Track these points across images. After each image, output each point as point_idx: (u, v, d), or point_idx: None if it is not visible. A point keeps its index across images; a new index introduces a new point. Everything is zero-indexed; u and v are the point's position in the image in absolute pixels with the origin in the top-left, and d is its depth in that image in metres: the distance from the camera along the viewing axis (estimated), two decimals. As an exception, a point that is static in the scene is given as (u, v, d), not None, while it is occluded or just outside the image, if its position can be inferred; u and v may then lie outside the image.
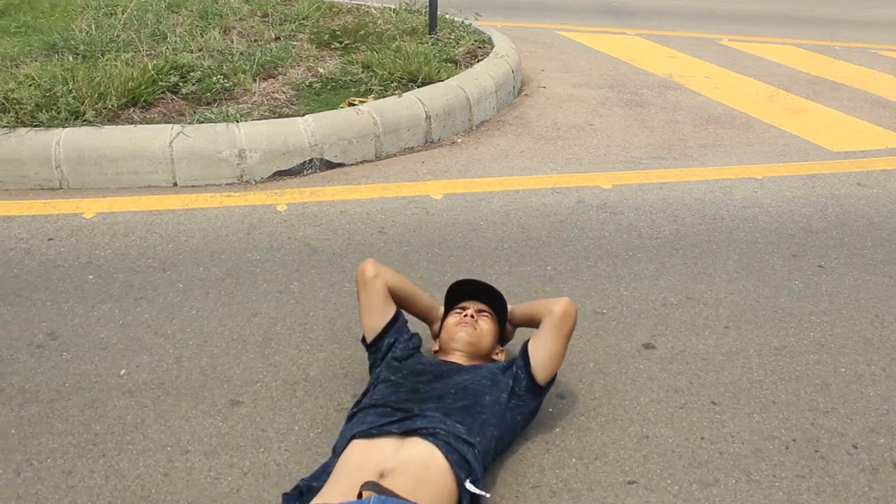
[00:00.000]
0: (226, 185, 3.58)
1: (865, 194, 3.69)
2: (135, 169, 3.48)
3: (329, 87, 4.35)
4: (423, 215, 3.35)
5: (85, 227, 3.15)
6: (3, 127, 3.47)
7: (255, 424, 2.10)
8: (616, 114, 4.69)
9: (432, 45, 4.96)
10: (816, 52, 6.66)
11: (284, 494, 1.81)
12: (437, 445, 1.73)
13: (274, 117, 3.84)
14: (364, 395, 2.02)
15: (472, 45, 5.21)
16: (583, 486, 1.90)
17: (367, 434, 1.77)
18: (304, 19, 5.49)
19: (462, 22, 5.75)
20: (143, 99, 3.84)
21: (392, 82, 4.31)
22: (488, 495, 1.75)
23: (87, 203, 3.35)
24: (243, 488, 1.88)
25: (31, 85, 3.69)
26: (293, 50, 4.76)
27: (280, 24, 5.34)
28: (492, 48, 5.14)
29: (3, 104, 3.56)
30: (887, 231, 3.31)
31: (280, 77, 4.38)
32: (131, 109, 3.79)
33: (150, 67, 4.01)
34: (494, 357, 2.20)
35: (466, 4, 6.26)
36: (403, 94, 4.14)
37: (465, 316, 2.18)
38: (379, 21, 5.56)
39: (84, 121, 3.56)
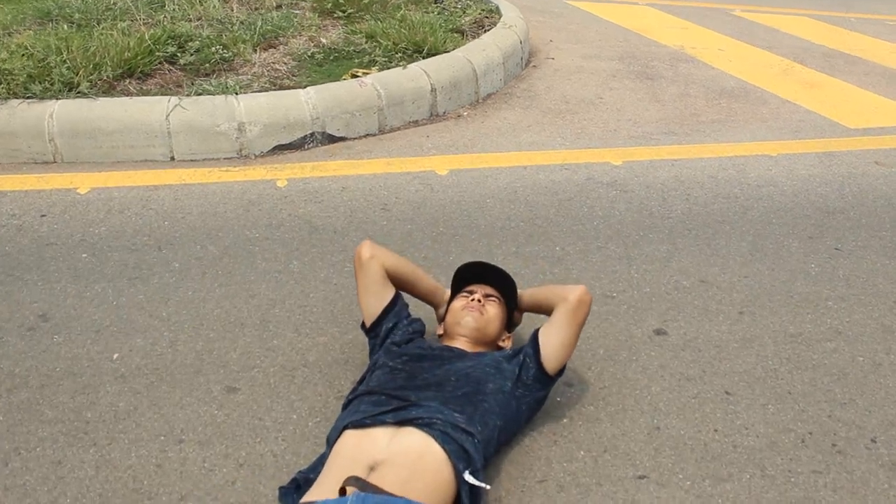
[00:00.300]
0: (225, 159, 3.48)
1: (884, 173, 3.57)
2: (130, 143, 3.38)
3: (332, 57, 4.22)
4: (427, 192, 3.26)
5: (79, 203, 3.06)
6: (-5, 98, 3.37)
7: (252, 413, 2.03)
8: (626, 87, 4.56)
9: (438, 14, 4.82)
10: (832, 24, 6.48)
11: (281, 488, 1.74)
12: (434, 436, 1.64)
13: (275, 89, 3.72)
14: (361, 381, 1.94)
15: (479, 14, 5.06)
16: (591, 481, 1.83)
17: (361, 424, 1.69)
18: (306, -13, 5.33)
19: (468, -10, 5.58)
20: (139, 70, 3.73)
21: (396, 53, 4.19)
22: (489, 487, 1.67)
23: (82, 178, 3.26)
24: (238, 480, 1.81)
25: (23, 55, 3.58)
26: (295, 19, 4.63)
27: (281, -8, 5.19)
28: (499, 18, 4.99)
29: (-5, 75, 3.46)
30: (907, 211, 3.21)
31: (281, 47, 4.25)
32: (127, 81, 3.67)
33: (146, 37, 3.89)
34: (501, 344, 2.12)
35: (473, -28, 6.08)
36: (408, 66, 4.02)
37: (472, 300, 2.09)
38: (383, -11, 5.40)
39: (78, 92, 3.45)
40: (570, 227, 2.98)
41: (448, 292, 2.26)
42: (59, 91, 3.43)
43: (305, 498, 1.57)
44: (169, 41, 3.98)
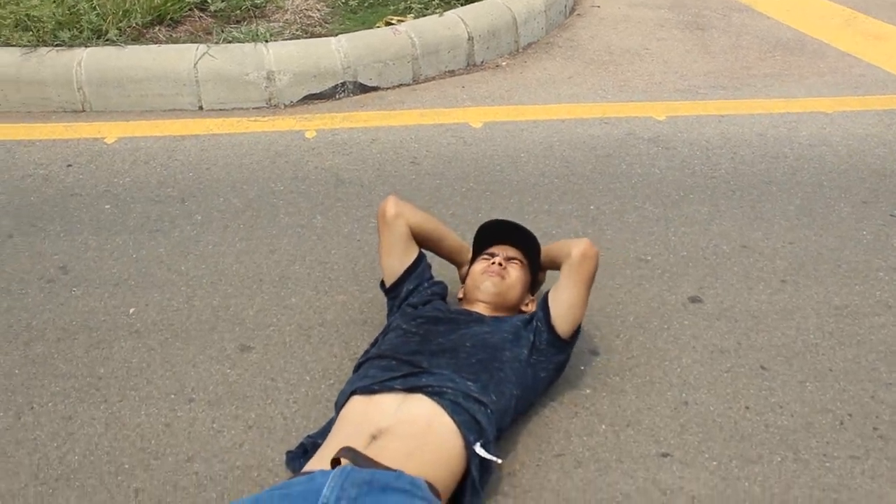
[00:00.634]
0: (253, 109, 3.41)
1: (950, 133, 3.32)
2: (159, 91, 3.32)
3: (366, 4, 4.08)
4: (459, 145, 3.14)
5: (105, 153, 3.03)
6: (24, 46, 3.33)
7: (265, 373, 1.98)
8: (675, 37, 4.31)
9: (478, -42, 4.60)
10: (904, -31, 6.03)
11: (288, 452, 1.70)
12: (443, 405, 1.56)
13: (306, 37, 3.61)
14: (374, 344, 1.87)
15: (522, -42, 4.82)
16: (611, 457, 1.74)
17: (369, 390, 1.61)
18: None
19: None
20: (168, 17, 3.64)
21: (433, 0, 4.02)
22: (500, 461, 1.59)
23: (110, 127, 3.23)
24: (246, 443, 1.78)
25: (52, 2, 3.53)
26: (330, -37, 4.47)
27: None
28: (543, -38, 4.75)
29: (24, 22, 3.42)
30: (973, 175, 2.97)
31: (315, -7, 4.12)
32: (156, 28, 3.60)
33: (177, -18, 3.80)
34: (524, 308, 2.01)
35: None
36: (445, 13, 3.86)
37: (493, 264, 1.98)
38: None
39: (107, 40, 3.39)
40: (607, 185, 2.84)
41: (471, 252, 2.16)
42: (88, 39, 3.38)
43: (307, 467, 1.52)
44: (200, -13, 3.88)
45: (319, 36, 3.64)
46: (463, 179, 2.89)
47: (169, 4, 3.66)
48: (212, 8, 3.78)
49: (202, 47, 3.37)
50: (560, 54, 4.05)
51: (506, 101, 3.51)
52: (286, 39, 3.55)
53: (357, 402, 1.61)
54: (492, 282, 1.94)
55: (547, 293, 1.89)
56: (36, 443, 1.79)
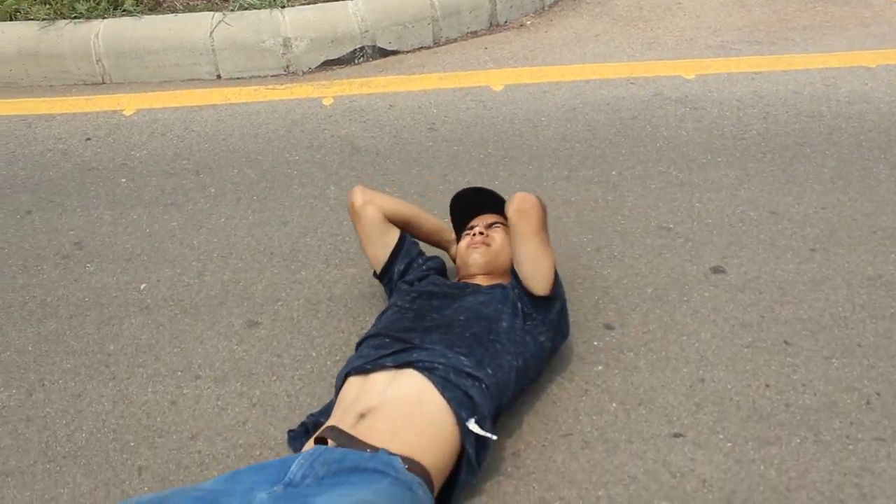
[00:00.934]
0: (272, 76, 3.36)
1: None
2: (176, 61, 3.29)
3: (386, -36, 3.96)
4: (479, 109, 3.05)
5: (123, 126, 3.03)
6: (43, 20, 3.32)
7: (271, 349, 1.96)
8: (710, -11, 4.11)
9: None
10: None
11: (290, 431, 1.68)
12: (434, 381, 1.51)
13: (322, 1, 3.53)
14: (374, 324, 1.83)
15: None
16: (620, 437, 1.68)
17: (362, 370, 1.58)
18: None
19: None
20: (186, -17, 3.59)
21: (455, -43, 3.89)
22: (495, 437, 1.53)
23: (129, 99, 3.22)
24: (249, 421, 1.76)
25: (70, -28, 3.50)
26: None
27: None
28: (572, -86, 4.56)
29: (43, -7, 3.41)
30: None
31: (334, -46, 4.01)
32: (173, -5, 3.56)
33: (194, -53, 3.74)
34: None
35: None
36: (466, -29, 3.73)
37: (475, 236, 1.92)
38: None
39: (124, 10, 3.36)
40: (631, 149, 2.73)
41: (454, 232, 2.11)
42: (105, 10, 3.35)
43: (306, 447, 1.50)
44: (218, -49, 3.82)
45: (335, 0, 3.55)
46: (481, 145, 2.81)
47: (185, -29, 3.60)
48: (229, -26, 3.72)
49: (218, 15, 3.32)
50: (587, 11, 3.89)
51: (529, 63, 3.40)
52: (302, 5, 3.48)
53: (352, 382, 1.59)
54: (479, 253, 1.89)
55: None
56: (45, 420, 1.80)
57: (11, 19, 3.36)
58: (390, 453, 1.38)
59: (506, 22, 3.78)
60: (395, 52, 3.52)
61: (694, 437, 1.67)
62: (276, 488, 1.29)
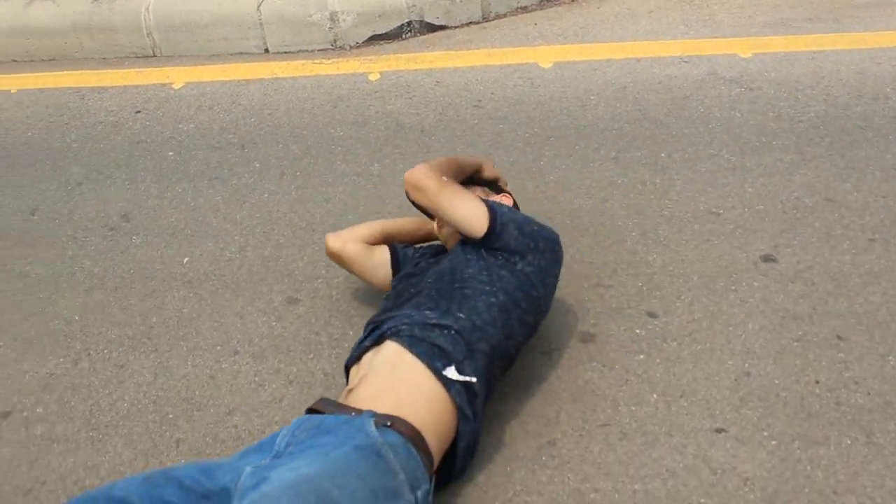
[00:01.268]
0: (319, 51, 3.35)
1: None
2: (224, 35, 3.31)
3: (437, -64, 3.90)
4: (526, 87, 2.99)
5: (172, 99, 3.05)
6: (95, -10, 3.36)
7: (309, 326, 1.97)
8: (773, -37, 3.94)
9: None
10: None
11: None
12: (402, 342, 1.55)
13: (371, -26, 3.50)
14: None
15: None
16: (660, 430, 1.64)
17: (355, 359, 1.63)
18: None
19: None
20: (235, -44, 3.59)
21: (506, -71, 3.80)
22: (475, 380, 1.52)
23: (178, 72, 3.24)
24: (286, 398, 1.77)
25: (123, -57, 3.53)
26: None
27: None
28: None
29: (95, -35, 3.45)
30: None
31: (384, -74, 3.97)
32: (223, -32, 3.56)
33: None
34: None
35: None
36: (518, -56, 3.65)
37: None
38: None
39: (174, -18, 3.39)
40: (682, 130, 2.65)
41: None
42: (156, -19, 3.38)
43: None
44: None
45: (386, -28, 3.51)
46: (527, 124, 2.76)
47: (235, -56, 3.60)
48: (279, -54, 3.70)
49: (266, -12, 3.32)
50: (642, -14, 3.77)
51: (579, 39, 3.32)
52: (351, -23, 3.45)
53: (350, 372, 1.64)
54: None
55: None
56: (90, 388, 1.84)
57: (66, -9, 3.42)
58: (374, 413, 1.41)
59: (557, -4, 3.70)
60: (442, 27, 3.47)
61: (737, 432, 1.62)
62: (263, 461, 1.32)
